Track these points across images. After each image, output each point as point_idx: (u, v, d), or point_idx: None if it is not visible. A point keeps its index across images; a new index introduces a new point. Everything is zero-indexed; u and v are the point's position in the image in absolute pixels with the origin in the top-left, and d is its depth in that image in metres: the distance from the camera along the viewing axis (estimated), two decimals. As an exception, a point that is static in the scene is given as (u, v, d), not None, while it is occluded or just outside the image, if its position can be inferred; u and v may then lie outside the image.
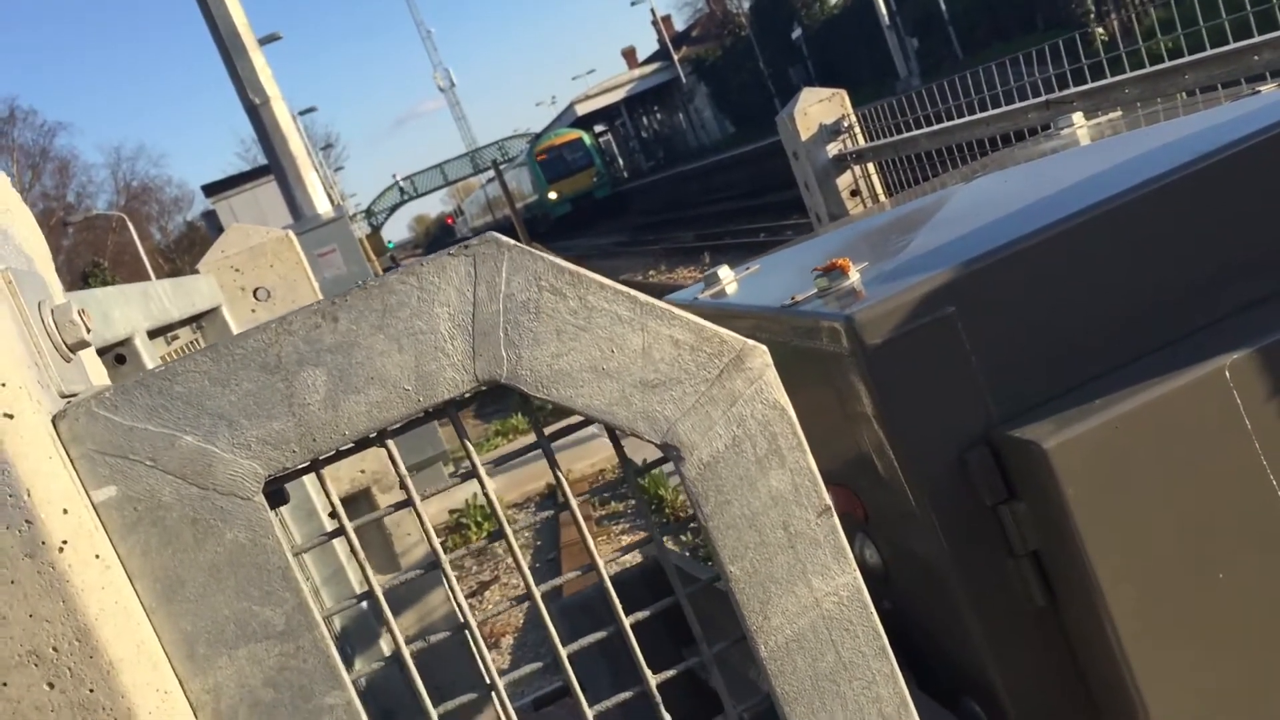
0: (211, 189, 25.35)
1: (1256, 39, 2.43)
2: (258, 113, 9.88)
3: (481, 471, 0.85)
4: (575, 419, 0.82)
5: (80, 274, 18.49)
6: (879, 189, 4.59)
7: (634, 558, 6.31)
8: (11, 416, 0.61)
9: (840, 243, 1.99)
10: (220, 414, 0.64)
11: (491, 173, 69.12)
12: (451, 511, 8.56)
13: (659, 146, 73.87)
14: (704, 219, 38.08)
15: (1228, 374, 1.29)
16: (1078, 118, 2.16)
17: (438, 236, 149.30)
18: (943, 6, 37.76)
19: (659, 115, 73.73)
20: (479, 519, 8.50)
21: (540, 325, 0.68)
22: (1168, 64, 2.70)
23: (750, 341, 0.76)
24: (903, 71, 35.80)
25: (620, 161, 79.70)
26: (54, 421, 0.64)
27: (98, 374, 0.80)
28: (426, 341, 0.67)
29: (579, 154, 60.38)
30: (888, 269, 1.52)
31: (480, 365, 0.68)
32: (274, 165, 10.35)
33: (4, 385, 0.61)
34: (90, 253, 43.67)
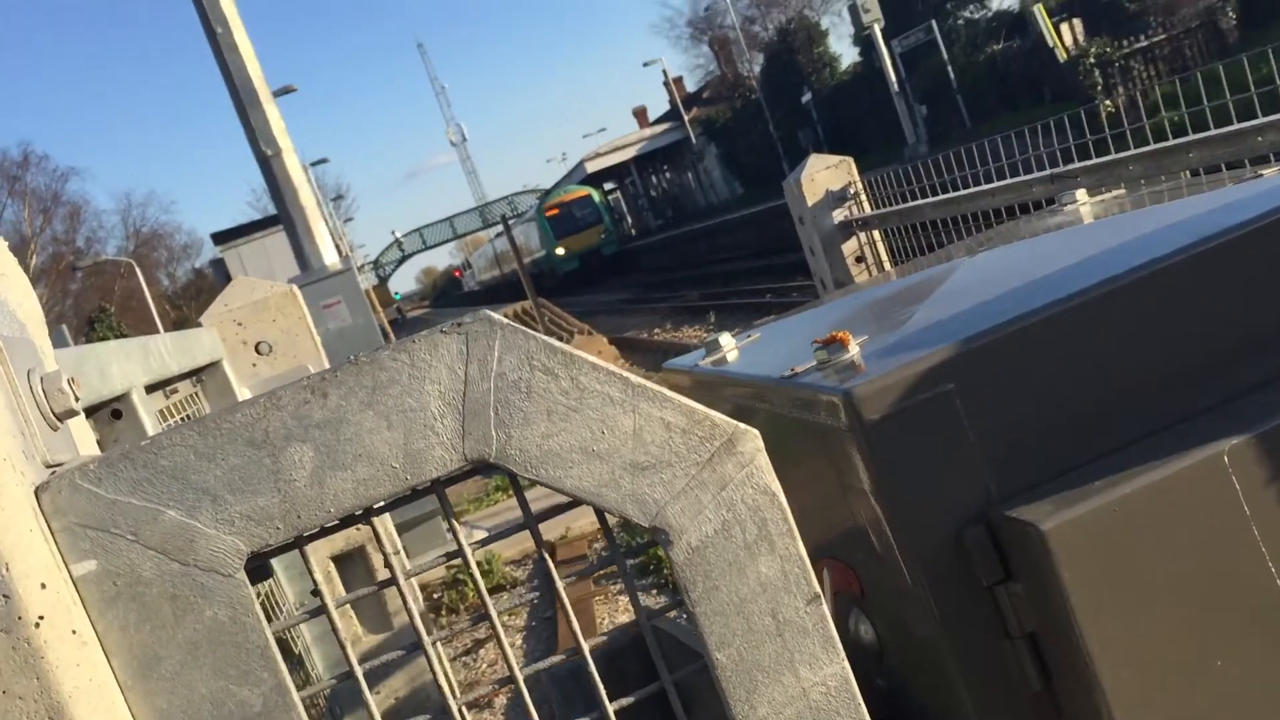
0: (220, 237, 25.50)
1: (1260, 120, 2.45)
2: (269, 164, 9.97)
3: (467, 551, 0.85)
4: (563, 500, 0.81)
5: (87, 319, 18.52)
6: (884, 256, 4.61)
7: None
8: (-9, 489, 0.61)
9: (842, 313, 1.99)
10: (205, 489, 0.64)
11: (499, 227, 69.60)
12: (449, 567, 8.52)
13: (667, 205, 74.35)
14: (711, 278, 38.24)
15: (1226, 459, 1.28)
16: (1081, 194, 2.17)
17: (445, 288, 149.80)
18: (951, 76, 38.16)
19: (668, 174, 74.30)
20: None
21: (531, 405, 0.68)
22: (1172, 142, 2.72)
23: (742, 426, 0.76)
24: (911, 138, 36.09)
25: (629, 219, 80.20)
26: (37, 493, 0.64)
27: (86, 442, 0.79)
28: (416, 419, 0.66)
29: (588, 211, 60.78)
30: (888, 343, 1.51)
31: (469, 444, 0.68)
32: (284, 216, 10.41)
33: (-13, 458, 0.61)
34: (98, 297, 43.88)
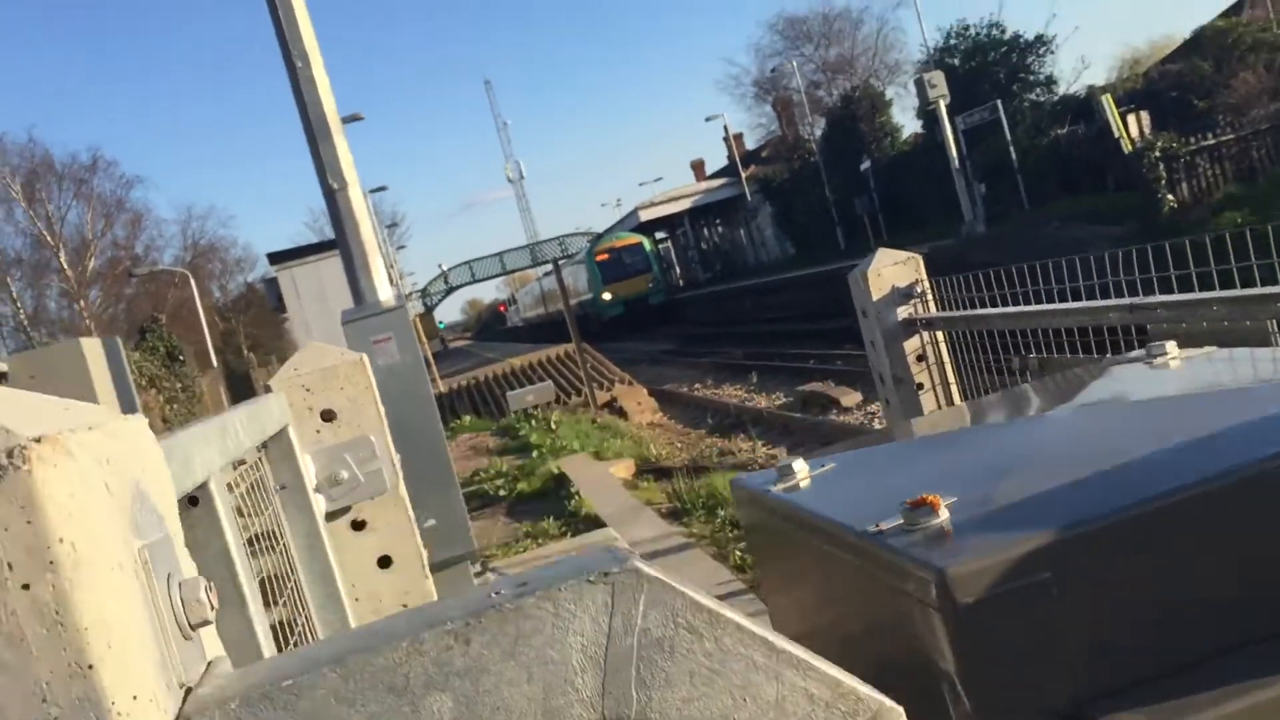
0: (276, 257, 25.79)
1: (1357, 282, 2.40)
2: (334, 197, 10.08)
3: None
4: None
5: (139, 328, 18.76)
6: (945, 358, 4.57)
7: None
8: (136, 731, 0.60)
9: (922, 457, 1.96)
10: (343, 734, 0.62)
11: (547, 266, 70.00)
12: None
13: (717, 259, 74.53)
14: (755, 337, 38.21)
15: (1334, 683, 1.23)
16: (1172, 346, 2.13)
17: (488, 322, 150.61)
18: (1013, 156, 38.09)
19: (720, 229, 74.54)
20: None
21: (674, 666, 0.66)
22: (1259, 290, 2.68)
23: (887, 702, 0.73)
24: (968, 215, 36.00)
25: (677, 270, 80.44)
26: (174, 726, 0.63)
27: (213, 646, 0.78)
28: (557, 673, 0.64)
29: (638, 258, 61.04)
30: (979, 513, 1.48)
31: (609, 704, 0.65)
32: (343, 248, 10.51)
33: (135, 699, 0.60)
34: (150, 303, 44.49)
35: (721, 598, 3.59)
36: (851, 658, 1.75)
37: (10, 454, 0.58)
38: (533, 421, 19.90)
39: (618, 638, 0.66)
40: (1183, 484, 1.36)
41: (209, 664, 0.73)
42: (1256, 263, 2.71)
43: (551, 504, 13.20)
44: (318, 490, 2.68)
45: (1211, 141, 29.44)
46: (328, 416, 2.76)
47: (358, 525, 2.83)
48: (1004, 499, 1.51)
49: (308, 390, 2.74)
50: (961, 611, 1.31)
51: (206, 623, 0.72)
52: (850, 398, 19.54)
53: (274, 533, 2.53)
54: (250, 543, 2.24)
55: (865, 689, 0.70)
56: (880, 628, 1.56)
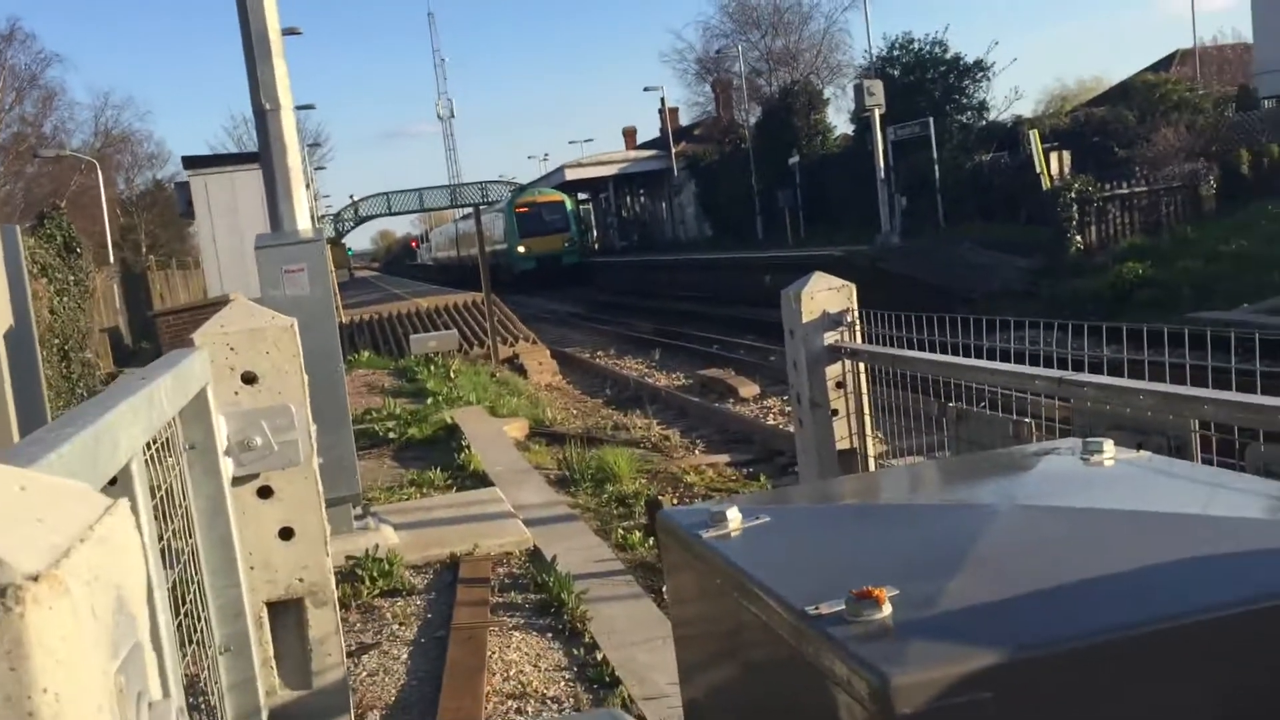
0: (191, 161, 24.94)
1: (1284, 400, 2.47)
2: (265, 117, 9.79)
3: None
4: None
5: (38, 215, 17.92)
6: (864, 390, 4.61)
7: (548, 685, 6.16)
8: None
9: (859, 529, 1.95)
10: None
11: (465, 210, 69.17)
12: (349, 557, 8.33)
13: (636, 229, 74.49)
14: (663, 313, 38.34)
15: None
16: (1109, 446, 2.16)
17: (398, 255, 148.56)
18: (937, 173, 38.73)
19: (643, 199, 74.48)
20: (375, 574, 8.26)
21: None
22: (1189, 390, 2.74)
23: None
24: (885, 225, 36.55)
25: (594, 234, 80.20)
26: None
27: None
28: None
29: (557, 216, 60.70)
30: (922, 616, 1.47)
31: None
32: (266, 171, 10.23)
33: None
34: (51, 186, 42.77)
35: (601, 575, 3.59)
36: (767, 729, 1.74)
37: (3, 593, 0.52)
38: (432, 367, 19.69)
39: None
40: (1132, 620, 1.37)
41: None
42: (1190, 361, 2.77)
43: (441, 454, 13.08)
44: (228, 454, 2.58)
45: (1125, 191, 30.32)
46: (249, 379, 2.66)
47: (263, 492, 2.73)
48: (947, 601, 1.51)
49: (232, 350, 2.62)
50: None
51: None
52: (748, 389, 19.73)
53: (176, 492, 2.43)
54: (155, 507, 2.14)
55: None
56: (803, 710, 1.55)
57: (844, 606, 1.52)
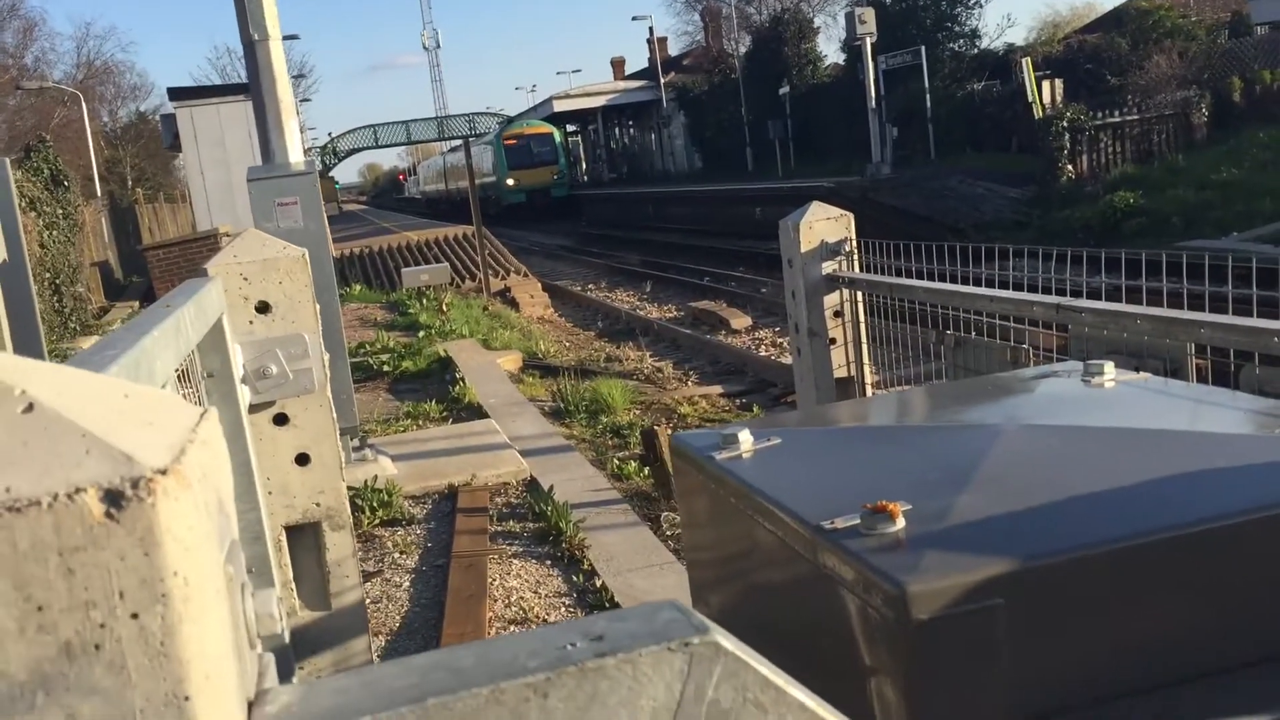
0: (176, 93, 24.63)
1: (1278, 323, 2.52)
2: (254, 49, 9.69)
3: None
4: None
5: (24, 147, 17.75)
6: (862, 318, 4.66)
7: (533, 590, 6.28)
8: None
9: (870, 448, 2.01)
10: (415, 775, 0.63)
11: (453, 142, 68.58)
12: (348, 489, 8.43)
13: (625, 161, 73.98)
14: (653, 245, 38.24)
15: (1249, 736, 1.33)
16: (1109, 367, 2.21)
17: (385, 188, 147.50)
18: (928, 104, 38.49)
19: (632, 131, 73.86)
20: (374, 504, 8.35)
21: (736, 737, 0.68)
22: (1186, 314, 2.79)
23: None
24: (876, 156, 36.37)
25: (583, 165, 79.64)
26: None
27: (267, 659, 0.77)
28: (625, 732, 0.66)
29: (546, 149, 60.22)
30: (935, 529, 1.53)
31: (669, 764, 0.67)
32: (256, 103, 10.14)
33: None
34: (34, 118, 42.21)
35: (598, 505, 3.67)
36: (779, 641, 1.81)
37: (135, 485, 0.57)
38: (424, 300, 19.68)
39: (688, 704, 0.68)
40: (1133, 530, 1.44)
41: (260, 671, 0.73)
42: (1186, 287, 2.82)
43: (435, 386, 13.13)
44: (244, 382, 2.63)
45: (1117, 119, 30.20)
46: (262, 309, 2.70)
47: (280, 420, 2.78)
48: (958, 515, 1.57)
49: (245, 280, 2.66)
50: (915, 627, 1.36)
51: (274, 635, 0.71)
52: (740, 320, 19.77)
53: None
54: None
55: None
56: (820, 622, 1.62)
57: (858, 520, 1.58)
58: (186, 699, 0.58)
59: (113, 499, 0.56)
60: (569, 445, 10.08)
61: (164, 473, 0.57)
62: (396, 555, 7.70)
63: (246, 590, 0.71)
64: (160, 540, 0.57)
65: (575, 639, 0.70)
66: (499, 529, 7.91)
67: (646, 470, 8.91)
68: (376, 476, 8.64)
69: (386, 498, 8.44)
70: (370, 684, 0.68)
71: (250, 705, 0.67)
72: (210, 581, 0.61)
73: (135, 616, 0.57)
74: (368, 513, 8.24)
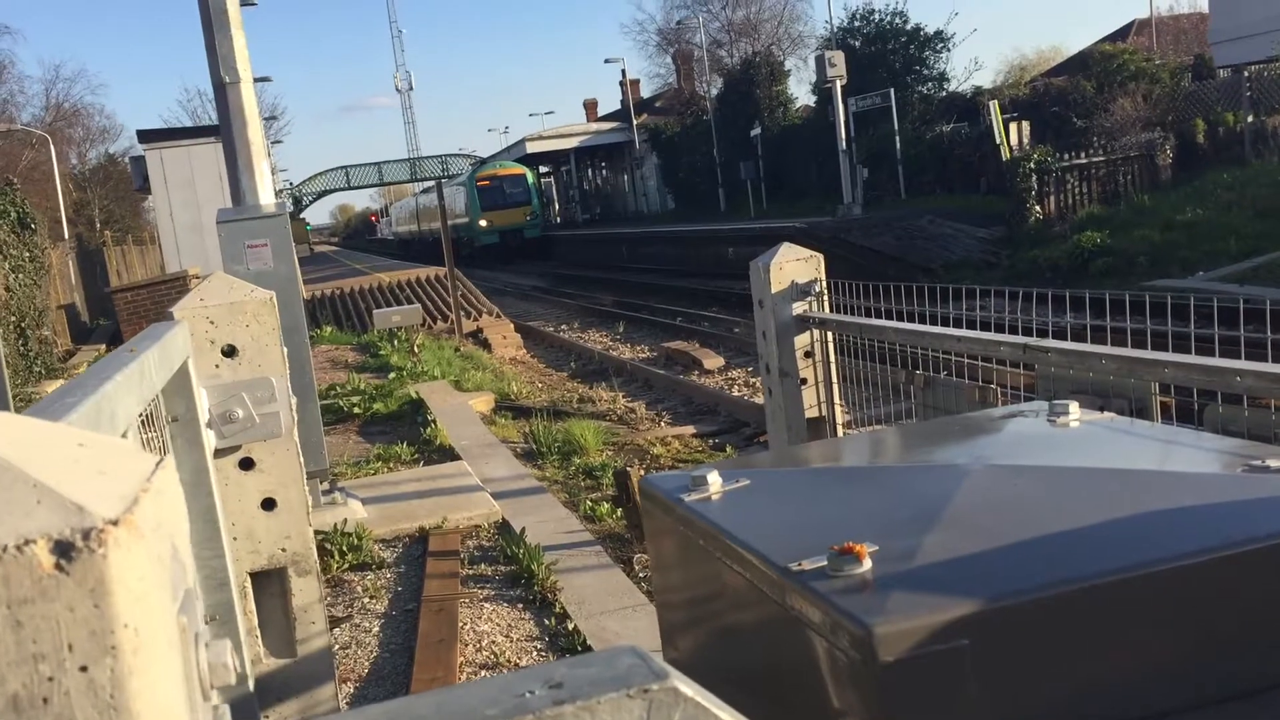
0: (146, 135, 24.58)
1: (1241, 364, 2.55)
2: (224, 91, 9.70)
3: None
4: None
5: (-9, 190, 17.72)
6: (832, 359, 4.68)
7: (503, 633, 6.22)
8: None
9: (837, 490, 2.02)
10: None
11: (425, 183, 68.66)
12: (318, 533, 8.33)
13: (598, 202, 74.29)
14: (626, 286, 38.32)
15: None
16: (1074, 408, 2.23)
17: (358, 229, 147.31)
18: (898, 146, 38.92)
19: (605, 172, 74.27)
20: (344, 548, 8.27)
21: (698, 783, 0.67)
22: (1150, 354, 2.82)
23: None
24: (847, 196, 36.70)
25: (556, 206, 79.91)
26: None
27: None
28: (582, 781, 0.66)
29: (519, 190, 60.40)
30: (901, 570, 1.54)
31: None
32: (227, 145, 10.14)
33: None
34: (1, 161, 41.96)
35: (570, 546, 3.65)
36: (749, 685, 1.80)
37: (86, 536, 0.56)
38: (395, 342, 19.62)
39: (649, 751, 0.67)
40: (1098, 570, 1.44)
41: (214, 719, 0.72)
42: (1150, 327, 2.85)
43: (406, 428, 13.06)
44: (209, 426, 2.60)
45: (1083, 160, 30.62)
46: (229, 352, 2.68)
47: (245, 464, 2.76)
48: (924, 556, 1.57)
49: (211, 323, 2.64)
50: (882, 669, 1.36)
51: (228, 685, 0.70)
52: (713, 360, 19.81)
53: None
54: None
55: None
56: (788, 664, 1.61)
57: (825, 562, 1.58)
58: (137, 753, 0.57)
59: (63, 550, 0.56)
60: (541, 487, 10.03)
61: (115, 523, 0.57)
62: (366, 600, 7.62)
63: (201, 640, 0.70)
64: (111, 591, 0.56)
65: (534, 686, 0.70)
66: (471, 572, 7.84)
67: (619, 511, 8.88)
68: (346, 520, 8.56)
69: (356, 541, 8.35)
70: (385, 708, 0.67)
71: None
72: (162, 632, 0.60)
73: (84, 669, 0.56)
74: (337, 557, 8.16)
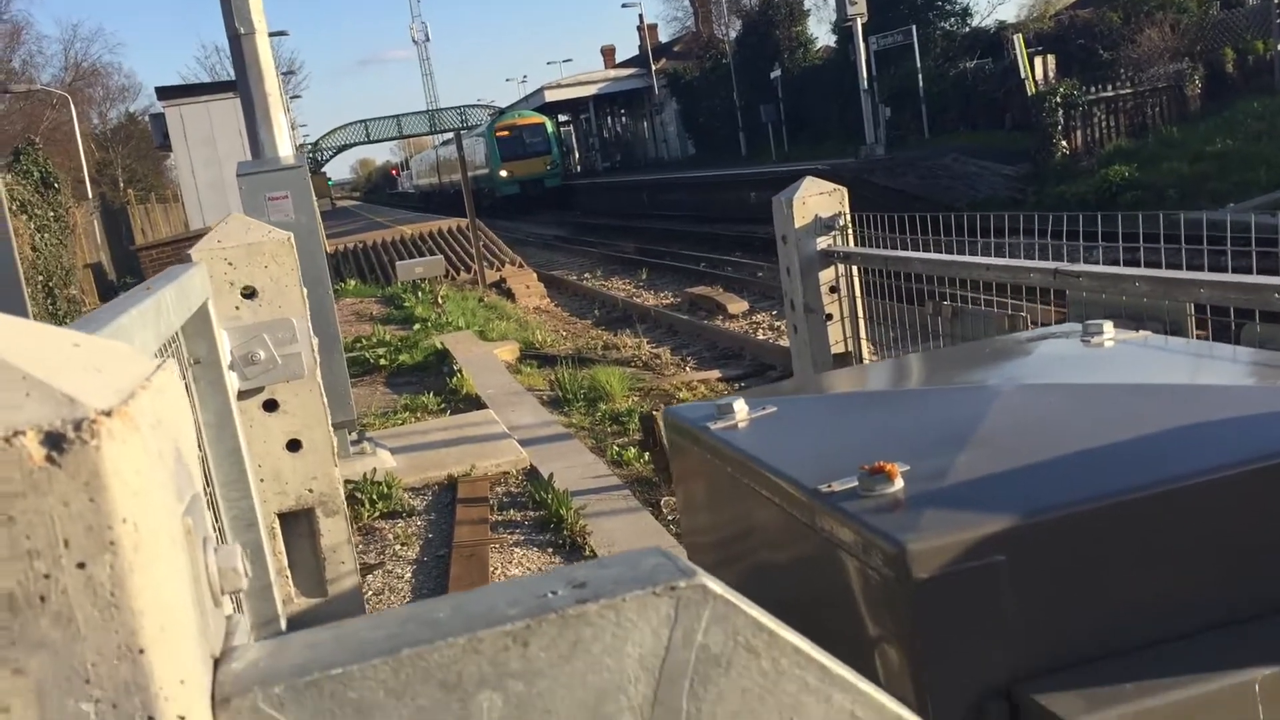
0: (165, 92, 24.49)
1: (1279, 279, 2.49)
2: (240, 43, 9.63)
3: None
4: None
5: (13, 151, 17.62)
6: (858, 293, 4.62)
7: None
8: (184, 719, 0.56)
9: (865, 414, 1.98)
10: (388, 726, 0.60)
11: (445, 135, 68.40)
12: (348, 482, 8.38)
13: (618, 150, 73.81)
14: (648, 233, 38.15)
15: (1258, 688, 1.30)
16: (1109, 328, 2.18)
17: (379, 184, 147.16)
18: (920, 83, 38.37)
19: (624, 119, 73.69)
20: (374, 496, 8.32)
21: (728, 682, 0.65)
22: (1185, 274, 2.75)
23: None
24: (870, 137, 36.27)
25: (576, 155, 79.47)
26: (214, 709, 0.59)
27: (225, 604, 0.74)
28: (611, 680, 0.63)
29: (538, 139, 60.07)
30: (934, 486, 1.50)
31: (659, 713, 0.64)
32: (244, 97, 10.08)
33: (183, 683, 0.56)
34: (22, 123, 42.02)
35: (598, 491, 3.62)
36: (781, 609, 1.78)
37: (78, 427, 0.53)
38: (419, 293, 19.63)
39: (676, 650, 0.65)
40: (1135, 484, 1.40)
41: (227, 627, 0.70)
42: (1185, 247, 2.79)
43: (432, 379, 13.09)
44: (232, 368, 2.59)
45: (1110, 94, 30.12)
46: (249, 294, 2.66)
47: (269, 406, 2.75)
48: (957, 474, 1.53)
49: (230, 265, 2.62)
50: (917, 586, 1.33)
51: (239, 590, 0.68)
52: (737, 304, 19.73)
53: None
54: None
55: (910, 715, 0.71)
56: (821, 586, 1.58)
57: (856, 483, 1.55)
58: (141, 652, 0.55)
59: (53, 442, 0.53)
60: (568, 433, 10.04)
61: (109, 414, 0.54)
62: (397, 547, 7.67)
63: (209, 545, 0.68)
64: (106, 485, 0.54)
65: (557, 587, 0.67)
66: (500, 518, 7.87)
67: (646, 455, 8.88)
68: (375, 469, 8.61)
69: (386, 490, 8.40)
70: (343, 638, 0.65)
71: (216, 662, 0.64)
72: (164, 530, 0.58)
73: (82, 566, 0.54)
74: (367, 505, 8.21)
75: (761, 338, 16.39)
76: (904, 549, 1.33)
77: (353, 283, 23.08)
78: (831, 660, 0.67)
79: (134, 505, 0.55)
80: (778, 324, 16.96)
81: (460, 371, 12.52)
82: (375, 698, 0.60)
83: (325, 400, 2.83)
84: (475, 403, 11.07)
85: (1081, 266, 3.10)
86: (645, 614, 0.64)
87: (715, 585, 0.66)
